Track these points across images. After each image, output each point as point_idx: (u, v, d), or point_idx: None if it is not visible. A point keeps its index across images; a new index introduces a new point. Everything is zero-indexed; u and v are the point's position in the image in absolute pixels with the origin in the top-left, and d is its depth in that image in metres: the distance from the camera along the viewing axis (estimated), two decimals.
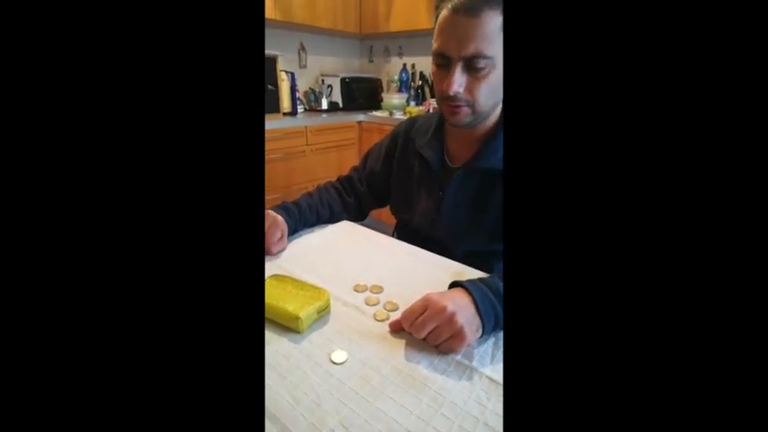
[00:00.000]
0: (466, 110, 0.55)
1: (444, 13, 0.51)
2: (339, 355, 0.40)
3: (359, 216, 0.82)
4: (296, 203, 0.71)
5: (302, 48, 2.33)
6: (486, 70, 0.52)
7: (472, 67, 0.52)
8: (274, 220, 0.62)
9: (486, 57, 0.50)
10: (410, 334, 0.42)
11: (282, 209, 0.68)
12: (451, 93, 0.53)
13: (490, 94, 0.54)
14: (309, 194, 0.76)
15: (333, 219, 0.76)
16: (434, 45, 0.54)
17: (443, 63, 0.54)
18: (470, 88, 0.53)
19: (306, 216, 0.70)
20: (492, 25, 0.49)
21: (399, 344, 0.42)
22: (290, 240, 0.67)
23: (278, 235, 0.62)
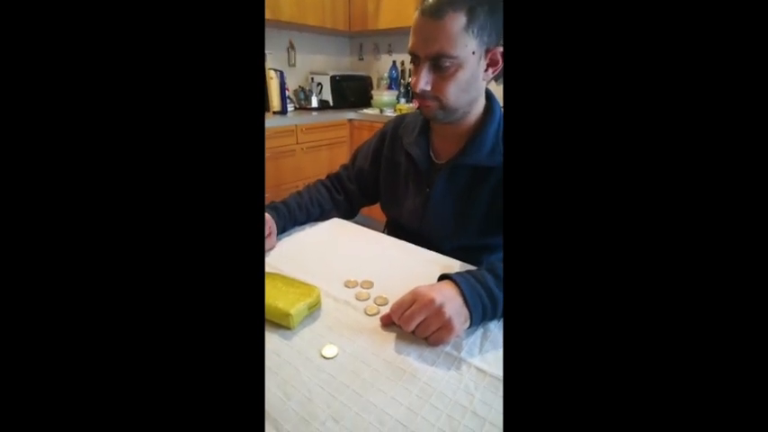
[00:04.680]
0: (434, 104, 0.58)
1: (416, 14, 0.54)
2: (330, 350, 0.40)
3: (349, 214, 0.82)
4: (284, 202, 0.71)
5: (291, 46, 2.31)
6: (453, 69, 0.54)
7: (438, 66, 0.54)
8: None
9: (450, 56, 0.52)
10: (400, 327, 0.43)
11: (271, 208, 0.68)
12: (418, 90, 0.56)
13: (459, 92, 0.56)
14: (299, 193, 0.76)
15: (323, 216, 0.76)
16: (408, 44, 0.57)
17: (415, 61, 0.57)
18: (437, 86, 0.56)
19: (295, 215, 0.71)
20: (455, 27, 0.51)
21: (389, 337, 0.43)
22: (279, 239, 0.67)
23: (265, 233, 0.62)
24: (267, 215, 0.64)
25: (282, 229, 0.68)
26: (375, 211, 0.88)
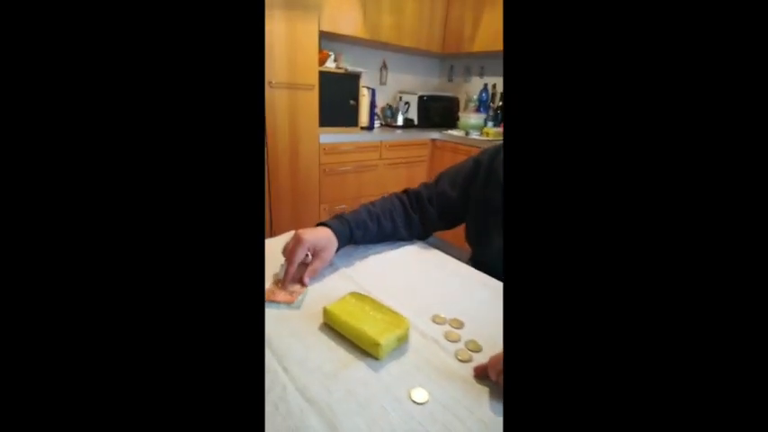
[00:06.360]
0: None
1: None
2: (420, 394, 0.37)
3: (422, 235, 0.77)
4: (354, 211, 0.69)
5: (384, 65, 2.41)
6: None
7: None
8: (298, 240, 0.56)
9: None
10: (497, 384, 0.38)
11: (335, 217, 0.66)
12: None
13: None
14: (372, 203, 0.72)
15: (395, 233, 0.72)
16: None
17: None
18: None
19: (366, 225, 0.67)
20: None
21: (484, 392, 0.39)
22: (365, 255, 0.66)
23: (300, 255, 0.56)
24: (307, 235, 0.57)
25: (349, 238, 0.65)
26: (459, 238, 0.84)
